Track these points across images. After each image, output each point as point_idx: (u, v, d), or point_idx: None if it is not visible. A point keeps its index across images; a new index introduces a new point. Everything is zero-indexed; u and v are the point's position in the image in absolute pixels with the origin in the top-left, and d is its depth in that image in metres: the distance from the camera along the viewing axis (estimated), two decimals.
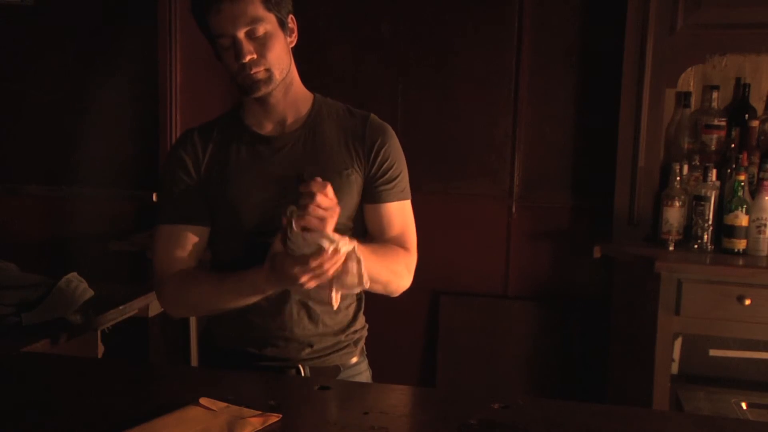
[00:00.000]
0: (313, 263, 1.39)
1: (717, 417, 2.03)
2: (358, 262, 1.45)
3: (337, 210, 1.44)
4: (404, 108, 3.23)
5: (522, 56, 3.12)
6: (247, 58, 1.53)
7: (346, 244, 1.42)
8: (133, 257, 3.05)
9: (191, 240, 1.64)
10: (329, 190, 1.43)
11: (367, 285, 1.47)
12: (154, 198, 3.23)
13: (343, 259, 1.43)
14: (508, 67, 3.14)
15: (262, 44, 1.54)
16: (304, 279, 1.41)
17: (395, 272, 1.65)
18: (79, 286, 2.16)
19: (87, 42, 3.33)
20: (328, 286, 1.46)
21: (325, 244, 1.40)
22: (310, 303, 1.61)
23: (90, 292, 2.18)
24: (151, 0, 3.14)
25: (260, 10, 1.53)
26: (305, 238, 1.40)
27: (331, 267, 1.41)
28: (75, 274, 2.19)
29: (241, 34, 1.52)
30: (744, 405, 2.52)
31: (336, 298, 1.48)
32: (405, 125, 3.11)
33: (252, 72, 1.55)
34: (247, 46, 1.53)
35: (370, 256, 1.58)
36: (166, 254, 1.64)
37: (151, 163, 3.24)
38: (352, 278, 1.45)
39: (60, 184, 3.38)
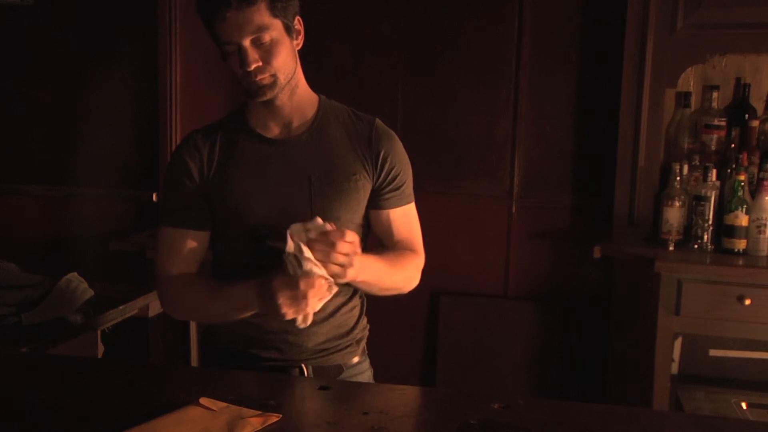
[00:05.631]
0: (302, 286, 1.40)
1: (717, 417, 2.03)
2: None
3: (358, 253, 1.45)
4: (404, 108, 3.22)
5: (522, 56, 3.12)
6: (252, 66, 1.52)
7: (334, 286, 1.44)
8: (133, 257, 3.05)
9: (192, 244, 1.64)
10: (349, 235, 1.44)
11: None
12: (154, 198, 3.24)
13: (323, 291, 1.44)
14: (508, 67, 3.13)
15: (267, 51, 1.52)
16: (284, 305, 1.42)
17: (408, 277, 1.70)
18: (79, 286, 2.16)
19: (87, 42, 3.33)
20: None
21: (319, 273, 1.41)
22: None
23: (90, 292, 2.18)
24: (151, 0, 3.14)
25: (266, 18, 1.50)
26: (299, 260, 1.40)
27: (312, 298, 1.42)
28: (75, 274, 2.19)
29: (246, 42, 1.50)
30: (744, 405, 2.53)
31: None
32: (405, 125, 3.11)
33: (257, 78, 1.54)
34: (252, 54, 1.51)
35: (385, 267, 1.62)
36: (167, 257, 1.65)
37: (151, 163, 3.24)
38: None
39: (60, 184, 3.38)
